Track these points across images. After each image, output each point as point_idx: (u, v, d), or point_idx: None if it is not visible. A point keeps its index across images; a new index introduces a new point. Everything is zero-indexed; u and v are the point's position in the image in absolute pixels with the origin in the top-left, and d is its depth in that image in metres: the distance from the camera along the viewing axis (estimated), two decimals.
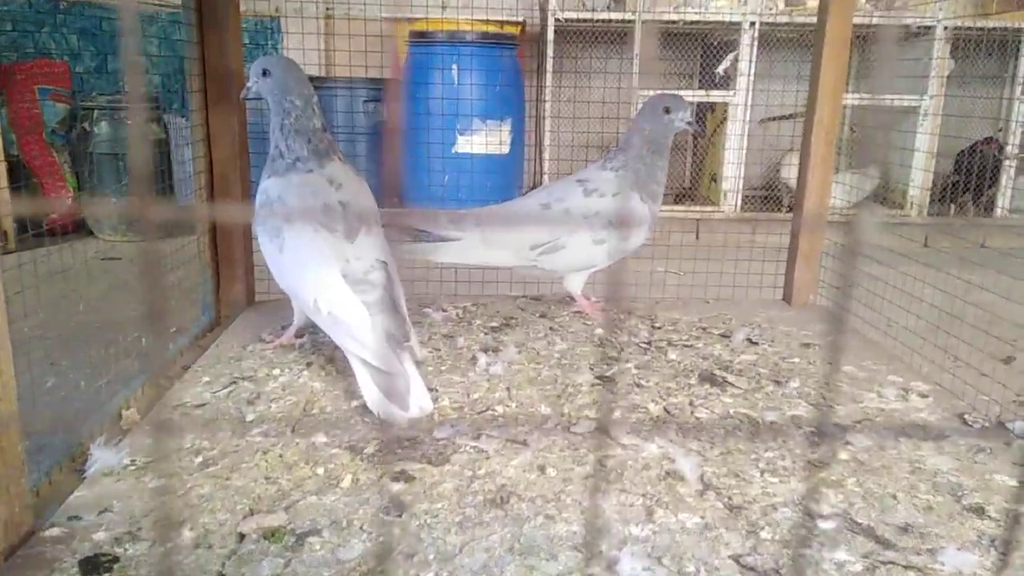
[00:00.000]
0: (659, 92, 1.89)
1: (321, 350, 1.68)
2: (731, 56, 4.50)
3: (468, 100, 4.09)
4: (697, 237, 4.60)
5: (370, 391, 1.36)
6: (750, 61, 4.43)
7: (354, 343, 1.37)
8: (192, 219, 1.87)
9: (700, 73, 4.90)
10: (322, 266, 1.43)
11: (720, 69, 4.55)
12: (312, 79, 4.81)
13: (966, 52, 4.62)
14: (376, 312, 1.39)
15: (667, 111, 1.79)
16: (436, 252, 1.84)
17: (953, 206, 4.58)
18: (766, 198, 4.77)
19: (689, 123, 1.79)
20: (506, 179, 4.35)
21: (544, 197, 1.86)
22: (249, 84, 1.59)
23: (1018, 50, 4.45)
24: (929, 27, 4.45)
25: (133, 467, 1.20)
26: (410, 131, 4.33)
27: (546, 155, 4.59)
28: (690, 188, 5.27)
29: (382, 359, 1.34)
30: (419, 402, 1.37)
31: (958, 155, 4.54)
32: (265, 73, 1.57)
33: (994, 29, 4.49)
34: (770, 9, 4.47)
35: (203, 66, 1.78)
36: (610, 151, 1.89)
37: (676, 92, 1.85)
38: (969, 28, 4.52)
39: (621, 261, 1.96)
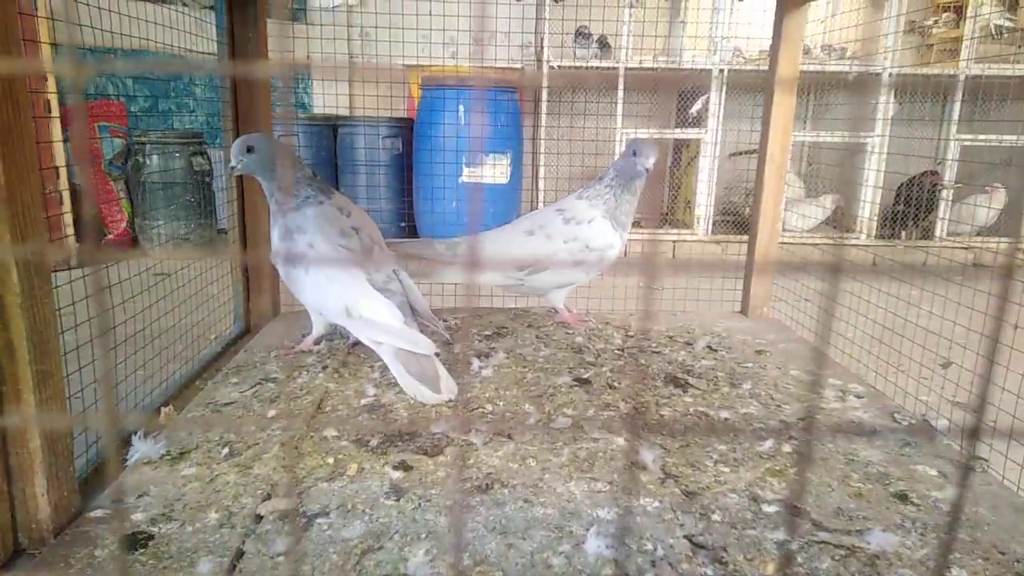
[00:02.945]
0: (635, 136, 1.89)
1: (335, 355, 1.69)
2: (703, 99, 4.53)
3: (475, 137, 4.12)
4: (673, 256, 4.62)
5: (405, 378, 1.41)
6: (719, 103, 4.46)
7: (389, 336, 1.42)
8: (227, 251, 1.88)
9: (676, 114, 4.93)
10: (350, 278, 1.47)
11: (693, 110, 4.58)
12: (338, 118, 4.85)
13: (909, 96, 4.65)
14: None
15: (634, 153, 1.78)
16: (436, 274, 1.86)
17: (904, 232, 4.58)
18: (733, 222, 4.78)
19: (647, 169, 1.77)
20: (507, 205, 4.37)
21: (528, 224, 1.87)
22: (233, 163, 1.55)
23: (953, 95, 4.48)
24: (876, 74, 4.48)
25: (169, 457, 1.22)
26: (422, 164, 4.37)
27: (541, 185, 4.62)
28: (668, 213, 5.29)
29: (417, 344, 1.40)
30: (448, 386, 1.42)
31: (899, 187, 4.55)
32: (249, 150, 1.54)
33: (934, 75, 4.52)
34: (737, 58, 4.51)
35: (235, 107, 1.80)
36: (587, 184, 1.90)
37: (649, 137, 1.85)
38: (912, 75, 4.55)
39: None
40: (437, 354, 1.45)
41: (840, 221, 4.82)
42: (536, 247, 1.82)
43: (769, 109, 1.97)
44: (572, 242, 1.81)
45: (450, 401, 1.44)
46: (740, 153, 4.77)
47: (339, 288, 1.47)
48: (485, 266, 1.84)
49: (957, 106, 4.43)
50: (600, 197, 1.83)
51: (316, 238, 1.51)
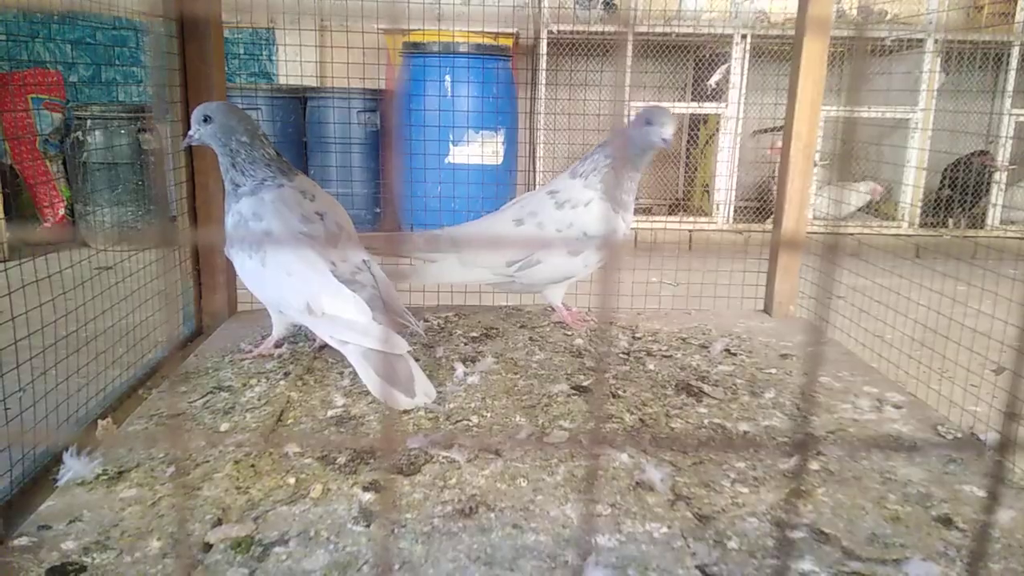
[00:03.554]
0: (650, 104, 1.87)
1: (299, 360, 1.68)
2: (723, 68, 4.52)
3: (462, 112, 4.11)
4: (690, 248, 4.61)
5: (374, 382, 1.41)
6: (741, 73, 4.46)
7: (355, 334, 1.42)
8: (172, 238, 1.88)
9: (692, 85, 4.93)
10: (311, 270, 1.47)
11: (712, 81, 4.58)
12: (307, 89, 4.82)
13: (957, 65, 4.64)
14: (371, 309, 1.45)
15: (647, 123, 1.75)
16: (415, 274, 1.86)
17: (951, 219, 4.58)
18: (758, 209, 4.78)
19: (664, 140, 1.73)
20: (499, 189, 4.36)
21: (517, 212, 1.86)
22: (191, 132, 1.58)
23: (1008, 63, 4.47)
24: (920, 39, 4.47)
25: (105, 477, 1.21)
26: (403, 142, 4.36)
27: (540, 166, 4.61)
28: (683, 199, 5.29)
29: (387, 341, 1.39)
30: (424, 389, 1.43)
31: (945, 169, 4.55)
32: (206, 120, 1.56)
33: (985, 42, 4.51)
34: (762, 22, 4.50)
35: (184, 76, 1.79)
36: (584, 155, 1.87)
37: (665, 106, 1.83)
38: (960, 41, 4.54)
39: (608, 271, 1.96)
40: (410, 353, 1.44)
41: (878, 208, 4.83)
42: (528, 238, 1.81)
43: (796, 79, 1.97)
44: (567, 230, 1.79)
45: (427, 407, 1.43)
46: (765, 131, 4.78)
47: (299, 282, 1.47)
48: (471, 263, 1.83)
49: (1012, 76, 4.42)
50: (597, 172, 1.80)
51: (274, 225, 1.50)
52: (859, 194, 4.59)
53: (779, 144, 4.52)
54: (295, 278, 1.48)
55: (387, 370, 1.39)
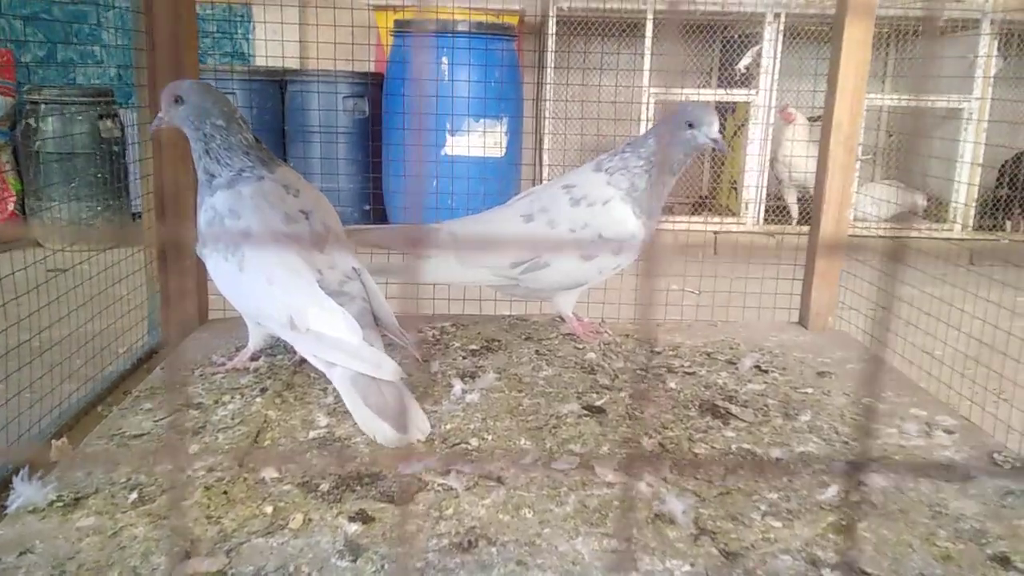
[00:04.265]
0: (686, 102, 1.87)
1: (278, 375, 1.69)
2: (753, 51, 4.54)
3: (460, 97, 4.12)
4: (715, 252, 4.62)
5: (362, 412, 1.40)
6: (774, 57, 4.47)
7: (344, 356, 1.41)
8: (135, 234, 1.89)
9: (719, 70, 4.94)
10: (296, 278, 1.47)
11: (741, 65, 4.59)
12: (287, 71, 4.82)
13: (1018, 49, 4.65)
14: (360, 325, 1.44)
15: (689, 126, 1.74)
16: (406, 271, 1.86)
17: (1009, 221, 4.58)
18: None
19: (715, 140, 1.73)
20: (502, 185, 4.38)
21: (526, 207, 1.86)
22: (160, 115, 1.58)
23: None
24: (975, 20, 4.48)
25: (60, 503, 1.21)
26: (393, 131, 4.37)
27: (546, 159, 4.62)
28: (708, 197, 5.30)
29: (380, 366, 1.38)
30: (418, 423, 1.42)
31: (1003, 164, 4.55)
32: (178, 100, 1.56)
33: None
34: None
35: (152, 57, 1.80)
36: (615, 148, 1.87)
37: (703, 102, 1.84)
38: (1021, 22, 4.55)
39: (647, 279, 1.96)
40: (404, 379, 1.44)
41: (929, 210, 4.84)
42: (535, 236, 1.81)
43: (837, 64, 1.97)
44: (581, 230, 1.80)
45: (420, 442, 1.43)
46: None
47: (281, 291, 1.46)
48: (471, 261, 1.84)
49: None
50: (627, 171, 1.80)
51: (253, 224, 1.50)
52: (908, 193, 4.60)
53: (790, 110, 4.53)
54: (277, 287, 1.47)
55: (377, 399, 1.38)
